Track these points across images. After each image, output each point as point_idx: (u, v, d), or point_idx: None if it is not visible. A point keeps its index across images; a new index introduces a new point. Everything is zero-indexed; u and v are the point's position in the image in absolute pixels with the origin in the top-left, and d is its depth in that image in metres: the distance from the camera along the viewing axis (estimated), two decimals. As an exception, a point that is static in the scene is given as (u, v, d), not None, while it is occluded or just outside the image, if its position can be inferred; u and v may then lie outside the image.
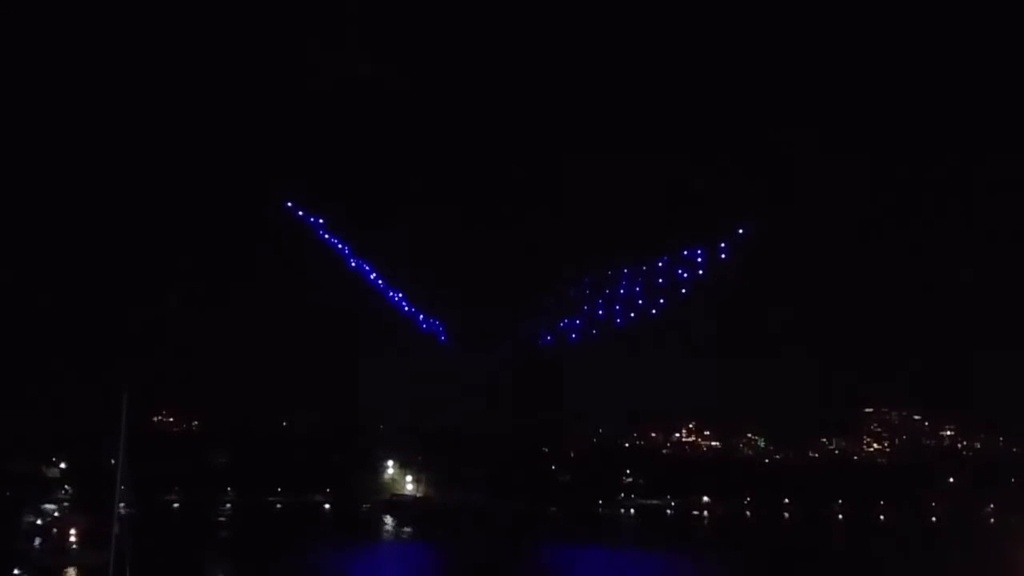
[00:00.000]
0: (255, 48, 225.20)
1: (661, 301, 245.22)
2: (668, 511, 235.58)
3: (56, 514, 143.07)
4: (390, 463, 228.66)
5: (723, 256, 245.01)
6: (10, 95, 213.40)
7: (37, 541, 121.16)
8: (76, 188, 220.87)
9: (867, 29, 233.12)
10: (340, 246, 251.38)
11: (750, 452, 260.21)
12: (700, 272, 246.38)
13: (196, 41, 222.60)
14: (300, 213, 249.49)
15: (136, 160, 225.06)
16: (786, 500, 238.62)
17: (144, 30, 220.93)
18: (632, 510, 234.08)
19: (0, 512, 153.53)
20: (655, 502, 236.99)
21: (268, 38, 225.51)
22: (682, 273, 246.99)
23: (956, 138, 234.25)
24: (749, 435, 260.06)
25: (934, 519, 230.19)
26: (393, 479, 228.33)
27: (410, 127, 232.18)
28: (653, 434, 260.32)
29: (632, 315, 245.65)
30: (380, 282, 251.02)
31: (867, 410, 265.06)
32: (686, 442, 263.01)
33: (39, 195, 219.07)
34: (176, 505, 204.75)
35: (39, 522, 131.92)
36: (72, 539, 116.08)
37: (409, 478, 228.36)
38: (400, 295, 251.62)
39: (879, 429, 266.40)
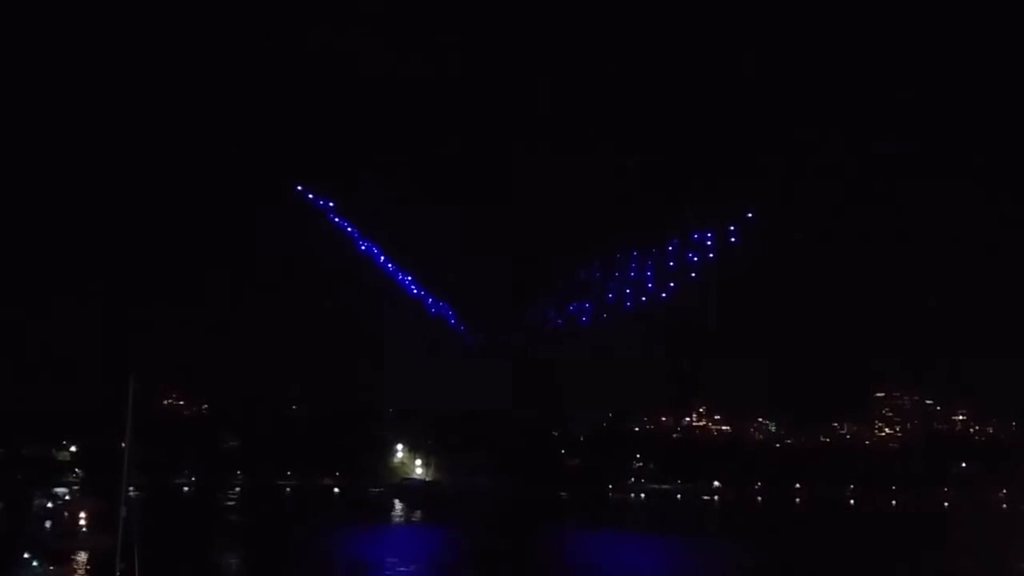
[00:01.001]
0: (266, 37, 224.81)
1: (671, 285, 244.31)
2: (678, 496, 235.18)
3: (67, 497, 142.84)
4: (399, 447, 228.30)
5: (733, 240, 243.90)
6: (34, 86, 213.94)
7: (48, 524, 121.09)
8: (89, 175, 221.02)
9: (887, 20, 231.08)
10: (349, 229, 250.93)
11: (761, 436, 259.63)
12: (710, 256, 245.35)
13: (209, 31, 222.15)
14: (310, 197, 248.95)
15: (149, 148, 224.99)
16: (797, 485, 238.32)
17: (161, 21, 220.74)
18: (642, 495, 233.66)
19: (11, 495, 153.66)
20: (665, 487, 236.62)
21: (280, 27, 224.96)
22: (692, 256, 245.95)
23: (976, 127, 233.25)
24: (760, 419, 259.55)
25: (946, 504, 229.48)
26: (402, 463, 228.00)
27: (421, 111, 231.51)
28: (663, 418, 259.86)
29: (643, 299, 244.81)
30: (389, 265, 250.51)
31: (879, 394, 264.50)
32: (696, 426, 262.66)
33: (53, 181, 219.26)
34: (186, 488, 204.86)
35: (50, 505, 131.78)
36: (82, 522, 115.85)
37: (418, 462, 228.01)
38: (409, 278, 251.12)
39: (890, 414, 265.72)
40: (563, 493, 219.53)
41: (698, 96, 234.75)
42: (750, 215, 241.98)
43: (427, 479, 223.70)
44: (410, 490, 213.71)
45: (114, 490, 58.44)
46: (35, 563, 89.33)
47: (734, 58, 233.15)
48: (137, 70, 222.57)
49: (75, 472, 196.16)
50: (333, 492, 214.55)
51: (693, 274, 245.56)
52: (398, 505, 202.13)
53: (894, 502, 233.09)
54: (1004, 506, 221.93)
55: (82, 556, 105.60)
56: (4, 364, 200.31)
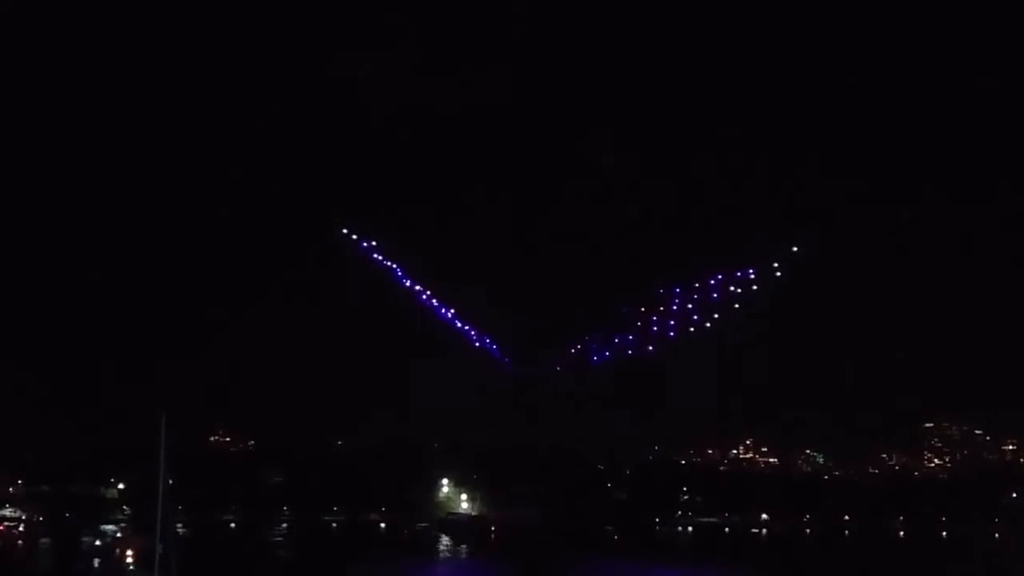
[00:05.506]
0: (311, 73, 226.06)
1: (716, 316, 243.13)
2: (726, 529, 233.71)
3: (118, 535, 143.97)
4: (445, 481, 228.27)
5: (779, 273, 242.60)
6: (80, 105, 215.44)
7: (96, 562, 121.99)
8: (132, 215, 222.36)
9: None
10: (392, 264, 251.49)
11: (809, 468, 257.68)
12: (755, 288, 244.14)
13: (254, 68, 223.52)
14: (354, 236, 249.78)
15: (197, 182, 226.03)
16: (846, 517, 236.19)
17: (204, 55, 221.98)
18: (689, 528, 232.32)
19: (60, 533, 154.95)
20: (713, 520, 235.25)
21: (324, 63, 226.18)
22: (736, 290, 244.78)
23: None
24: (808, 451, 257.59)
25: (997, 535, 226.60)
26: (448, 497, 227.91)
27: (462, 144, 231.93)
28: (710, 451, 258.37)
29: (692, 329, 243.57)
30: (433, 300, 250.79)
31: (927, 425, 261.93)
32: (743, 459, 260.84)
33: (98, 221, 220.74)
34: (232, 524, 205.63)
35: (98, 543, 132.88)
36: (129, 559, 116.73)
37: (464, 496, 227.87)
38: (452, 312, 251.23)
39: (940, 444, 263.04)
40: (610, 527, 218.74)
41: (746, 131, 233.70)
42: (795, 249, 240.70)
43: (473, 513, 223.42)
44: (456, 525, 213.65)
45: (161, 527, 58.80)
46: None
47: (779, 95, 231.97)
48: (173, 105, 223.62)
49: (123, 509, 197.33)
50: (379, 527, 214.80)
51: (737, 305, 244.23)
52: (444, 540, 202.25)
53: (944, 533, 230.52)
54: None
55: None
56: (51, 401, 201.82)
